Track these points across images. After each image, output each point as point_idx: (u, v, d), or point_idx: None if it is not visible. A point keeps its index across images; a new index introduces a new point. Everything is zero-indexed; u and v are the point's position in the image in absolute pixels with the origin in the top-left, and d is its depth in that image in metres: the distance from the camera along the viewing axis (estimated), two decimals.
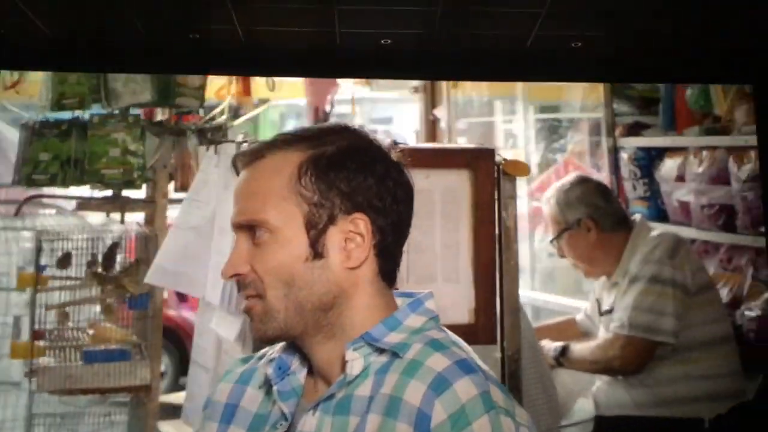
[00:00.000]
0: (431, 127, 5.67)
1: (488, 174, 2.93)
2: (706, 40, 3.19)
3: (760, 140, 3.30)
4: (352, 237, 1.51)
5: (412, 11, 2.91)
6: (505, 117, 6.02)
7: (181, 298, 6.70)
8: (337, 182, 1.51)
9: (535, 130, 5.60)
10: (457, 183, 2.92)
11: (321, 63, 3.33)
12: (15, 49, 3.20)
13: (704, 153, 4.20)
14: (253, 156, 1.54)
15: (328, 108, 5.39)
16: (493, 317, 2.95)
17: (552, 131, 5.49)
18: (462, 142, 5.61)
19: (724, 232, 4.10)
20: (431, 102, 5.70)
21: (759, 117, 3.32)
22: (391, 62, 3.29)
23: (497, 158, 2.97)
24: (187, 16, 3.00)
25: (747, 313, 3.86)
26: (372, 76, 4.41)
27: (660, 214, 4.51)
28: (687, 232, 4.18)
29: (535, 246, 5.44)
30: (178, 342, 6.53)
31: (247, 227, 1.51)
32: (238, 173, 1.57)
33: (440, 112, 5.64)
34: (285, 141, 1.54)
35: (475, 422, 1.38)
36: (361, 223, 1.51)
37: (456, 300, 2.89)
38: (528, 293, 5.13)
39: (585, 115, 5.19)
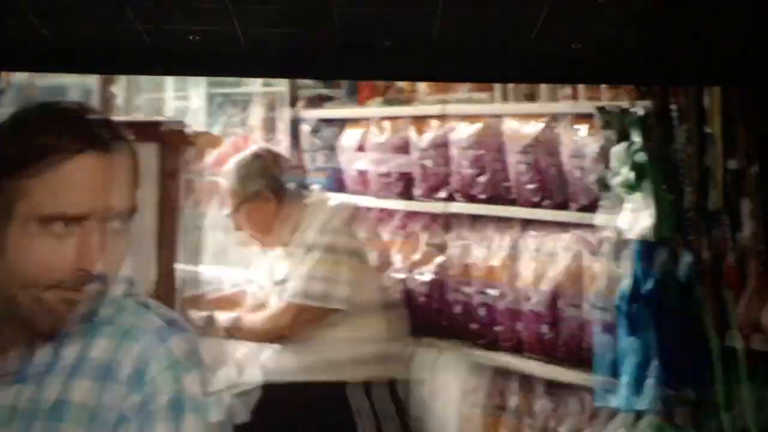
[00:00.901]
0: (106, 104, 5.50)
1: (176, 147, 2.91)
2: (705, 42, 3.30)
3: (760, 140, 3.46)
4: None
5: (412, 12, 2.91)
6: (178, 93, 5.93)
7: None
8: None
9: (215, 105, 5.54)
10: (145, 156, 2.87)
11: (319, 63, 3.32)
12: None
13: (385, 123, 4.35)
14: None
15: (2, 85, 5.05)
16: (173, 288, 2.93)
17: (232, 106, 5.45)
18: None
19: (402, 200, 4.28)
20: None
21: (759, 117, 3.48)
22: (390, 63, 3.32)
23: (187, 131, 2.94)
24: (186, 18, 2.88)
25: (418, 277, 4.06)
26: (372, 77, 4.19)
27: (338, 185, 4.59)
28: (364, 201, 4.29)
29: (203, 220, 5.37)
30: None
31: None
32: None
33: (117, 89, 5.48)
34: None
35: (186, 377, 1.39)
36: None
37: (137, 271, 2.82)
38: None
39: (266, 89, 5.20)
